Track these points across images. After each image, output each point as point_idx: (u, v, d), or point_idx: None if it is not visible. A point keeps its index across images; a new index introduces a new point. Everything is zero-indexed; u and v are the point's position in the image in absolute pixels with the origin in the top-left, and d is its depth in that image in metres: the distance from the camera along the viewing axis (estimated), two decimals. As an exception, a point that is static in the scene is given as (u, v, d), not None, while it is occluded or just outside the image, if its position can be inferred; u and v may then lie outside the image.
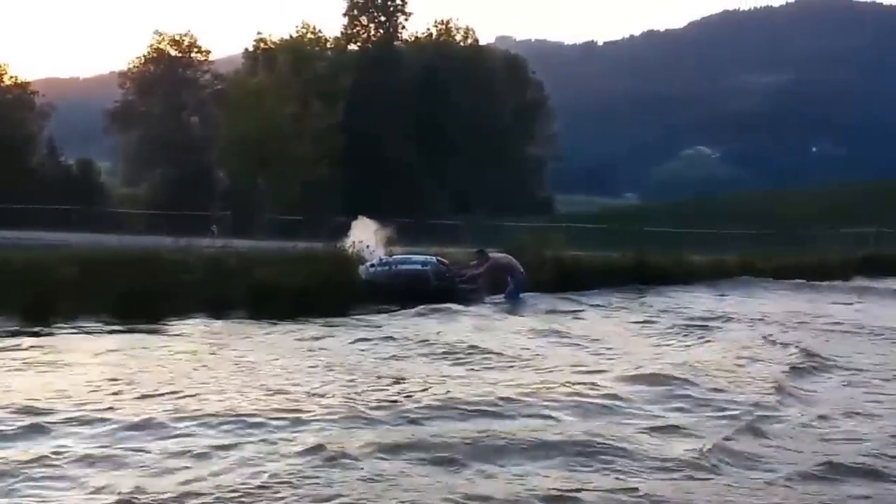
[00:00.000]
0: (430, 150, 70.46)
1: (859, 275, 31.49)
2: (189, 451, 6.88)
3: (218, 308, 15.87)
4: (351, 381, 9.87)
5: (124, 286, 15.42)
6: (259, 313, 15.68)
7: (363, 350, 12.35)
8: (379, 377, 10.10)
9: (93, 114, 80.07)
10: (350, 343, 12.96)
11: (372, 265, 19.70)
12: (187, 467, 6.53)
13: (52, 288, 14.95)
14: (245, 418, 7.87)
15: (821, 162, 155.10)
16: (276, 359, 11.25)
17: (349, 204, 63.31)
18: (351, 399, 8.82)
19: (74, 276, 15.68)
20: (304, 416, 8.03)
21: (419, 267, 19.74)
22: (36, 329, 13.30)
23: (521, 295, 20.07)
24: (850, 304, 23.38)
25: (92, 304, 14.91)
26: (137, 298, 15.13)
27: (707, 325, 16.21)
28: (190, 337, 13.39)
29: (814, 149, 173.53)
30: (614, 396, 9.09)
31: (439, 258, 20.46)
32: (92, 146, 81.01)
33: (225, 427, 7.61)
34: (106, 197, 68.45)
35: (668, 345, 13.60)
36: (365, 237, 21.63)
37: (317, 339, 13.47)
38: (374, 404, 8.52)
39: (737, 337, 14.66)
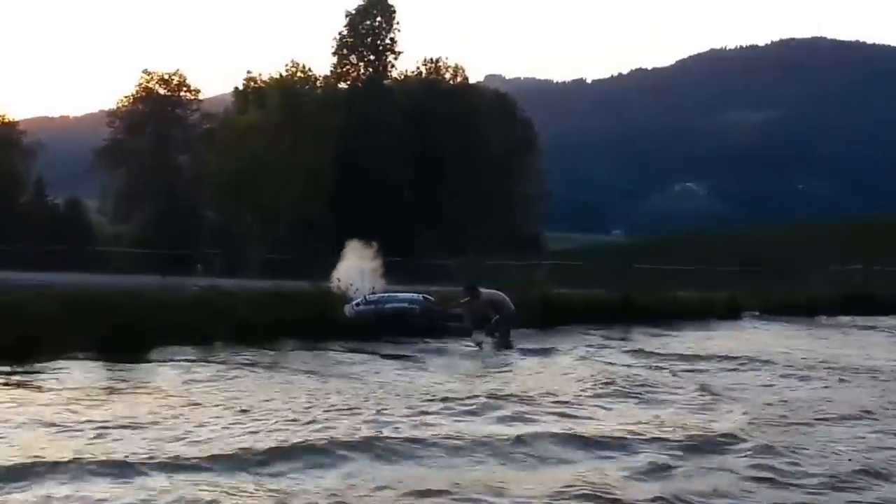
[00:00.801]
0: (419, 188, 70.58)
1: (847, 313, 31.47)
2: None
3: (202, 345, 15.82)
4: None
5: (107, 325, 15.26)
6: (243, 350, 15.67)
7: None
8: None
9: (82, 152, 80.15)
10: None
11: (357, 304, 19.49)
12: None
13: (34, 327, 14.69)
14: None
15: (806, 197, 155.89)
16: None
17: (339, 242, 63.30)
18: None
19: (56, 315, 15.49)
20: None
21: (406, 305, 19.57)
22: (15, 368, 13.11)
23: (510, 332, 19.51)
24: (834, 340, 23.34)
25: (74, 343, 14.70)
26: (121, 337, 14.95)
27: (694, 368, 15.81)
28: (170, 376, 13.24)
29: (800, 186, 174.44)
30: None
31: (426, 295, 20.30)
32: (81, 185, 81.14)
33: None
34: (94, 236, 68.28)
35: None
36: (353, 268, 21.53)
37: (301, 372, 13.61)
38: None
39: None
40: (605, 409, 11.16)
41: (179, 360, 14.72)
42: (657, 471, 7.99)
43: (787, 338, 23.15)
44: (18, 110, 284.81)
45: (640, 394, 12.42)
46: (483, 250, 58.84)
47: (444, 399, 11.35)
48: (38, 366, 13.51)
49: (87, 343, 14.78)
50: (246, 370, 13.97)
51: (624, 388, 12.82)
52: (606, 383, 13.20)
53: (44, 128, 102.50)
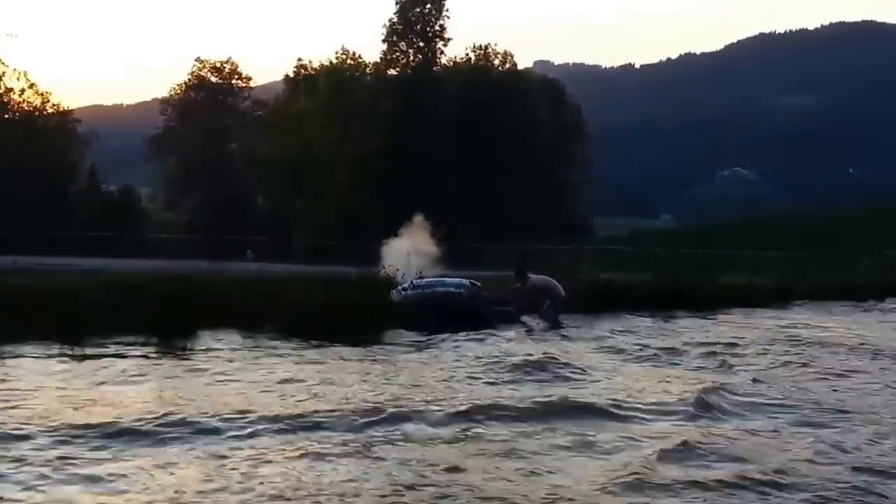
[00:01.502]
0: (468, 174, 70.59)
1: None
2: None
3: (251, 330, 15.92)
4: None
5: (158, 310, 15.48)
6: (292, 336, 15.73)
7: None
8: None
9: (135, 140, 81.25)
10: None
11: (403, 289, 19.44)
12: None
13: (86, 312, 15.07)
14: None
15: (858, 184, 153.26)
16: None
17: (387, 229, 63.50)
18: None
19: (109, 300, 15.90)
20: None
21: (452, 290, 19.37)
22: (71, 351, 13.40)
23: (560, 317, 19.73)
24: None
25: (126, 328, 14.96)
26: (171, 322, 15.13)
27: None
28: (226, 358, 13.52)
29: (851, 170, 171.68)
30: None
31: (473, 281, 20.15)
32: (134, 172, 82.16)
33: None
34: (146, 222, 69.30)
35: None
36: (403, 251, 21.65)
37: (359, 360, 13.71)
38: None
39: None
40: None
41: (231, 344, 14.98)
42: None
43: (836, 323, 22.92)
44: (73, 99, 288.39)
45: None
46: (530, 236, 58.83)
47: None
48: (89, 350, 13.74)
49: (139, 327, 14.92)
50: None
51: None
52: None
53: (97, 116, 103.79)
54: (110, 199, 68.93)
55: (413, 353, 14.82)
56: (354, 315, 17.02)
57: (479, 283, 20.04)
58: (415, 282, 19.77)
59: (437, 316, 18.02)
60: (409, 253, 22.20)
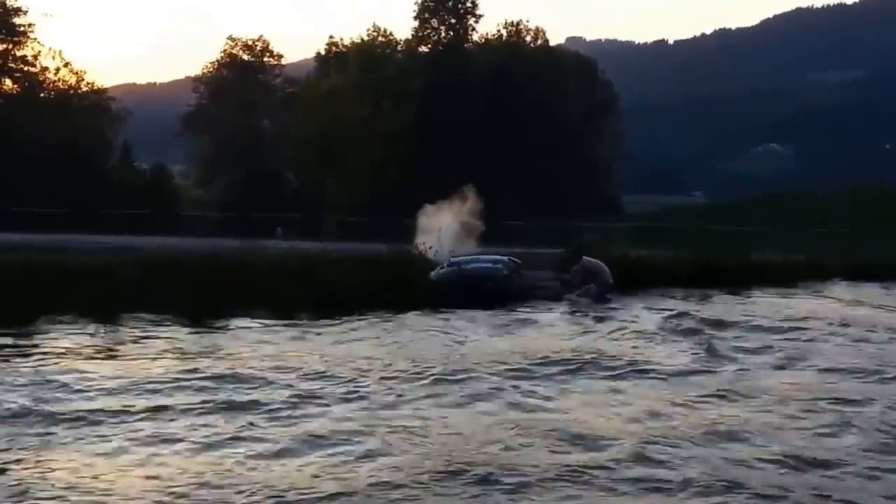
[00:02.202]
0: (499, 151, 70.28)
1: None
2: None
3: (283, 309, 15.92)
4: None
5: (190, 288, 15.75)
6: (324, 314, 15.81)
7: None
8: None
9: (169, 118, 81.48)
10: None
11: (441, 267, 19.29)
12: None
13: (118, 289, 15.38)
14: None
15: (893, 158, 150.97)
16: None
17: (418, 206, 63.45)
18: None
19: (140, 277, 16.21)
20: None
21: (489, 265, 19.30)
22: (108, 328, 13.63)
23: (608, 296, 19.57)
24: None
25: (159, 305, 15.17)
26: (203, 300, 15.37)
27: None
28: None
29: (887, 146, 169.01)
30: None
31: (512, 258, 19.99)
32: (168, 150, 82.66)
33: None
34: (179, 200, 69.57)
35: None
36: (437, 227, 21.41)
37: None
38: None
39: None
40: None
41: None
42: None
43: (869, 301, 22.63)
44: (106, 77, 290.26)
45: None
46: (562, 213, 58.58)
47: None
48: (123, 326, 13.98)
49: (171, 305, 15.18)
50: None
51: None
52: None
53: (130, 94, 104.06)
54: (143, 177, 69.37)
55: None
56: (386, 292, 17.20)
57: (518, 261, 19.87)
58: (451, 259, 19.63)
59: (472, 292, 17.94)
60: (440, 228, 21.98)
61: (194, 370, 10.57)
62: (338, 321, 15.42)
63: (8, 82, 66.60)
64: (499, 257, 19.92)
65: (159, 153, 79.11)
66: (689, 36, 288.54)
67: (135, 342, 12.71)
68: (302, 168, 72.44)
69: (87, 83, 68.62)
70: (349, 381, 10.28)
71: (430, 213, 23.21)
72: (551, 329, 15.63)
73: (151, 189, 65.50)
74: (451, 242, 21.51)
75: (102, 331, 13.50)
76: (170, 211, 61.00)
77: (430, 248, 21.19)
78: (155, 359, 11.47)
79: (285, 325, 14.92)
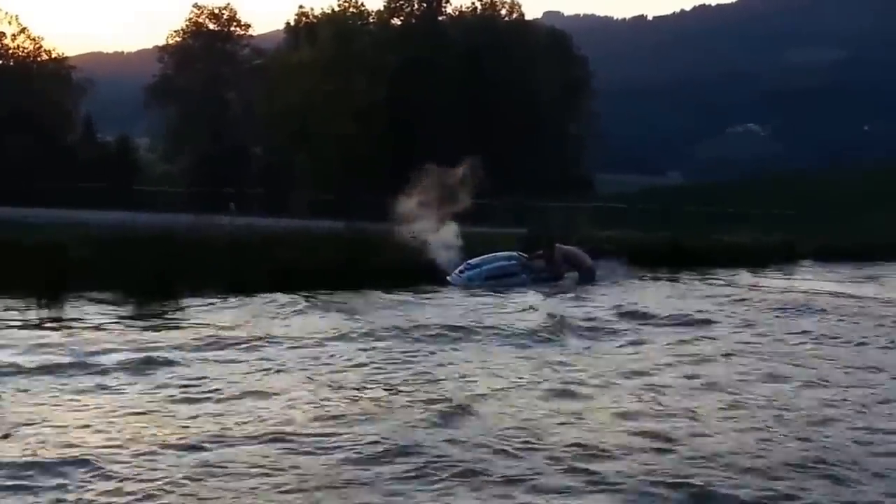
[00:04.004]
0: (471, 128, 69.26)
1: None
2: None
3: (235, 288, 15.54)
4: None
5: (140, 265, 15.26)
6: (278, 293, 15.28)
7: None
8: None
9: (137, 89, 79.61)
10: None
11: (461, 271, 18.53)
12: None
13: (68, 267, 14.95)
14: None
15: (874, 141, 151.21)
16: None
17: (389, 183, 62.66)
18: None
19: (90, 255, 15.81)
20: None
21: (506, 263, 18.83)
22: (52, 308, 13.17)
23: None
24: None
25: (107, 283, 14.75)
26: (154, 278, 14.93)
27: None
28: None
29: (865, 127, 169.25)
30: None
31: (519, 252, 19.46)
32: (136, 122, 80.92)
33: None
34: (142, 174, 68.02)
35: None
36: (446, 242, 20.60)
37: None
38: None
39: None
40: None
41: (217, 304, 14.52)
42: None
43: (837, 283, 22.21)
44: (72, 46, 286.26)
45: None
46: (534, 191, 57.97)
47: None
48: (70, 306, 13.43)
49: (121, 283, 14.68)
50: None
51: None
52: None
53: (97, 63, 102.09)
54: (107, 150, 67.77)
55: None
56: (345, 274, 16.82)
57: (525, 254, 19.34)
58: (470, 262, 18.86)
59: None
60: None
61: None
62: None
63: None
64: (509, 253, 19.38)
65: (128, 126, 77.23)
66: (669, 12, 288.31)
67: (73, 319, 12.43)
68: (270, 143, 71.31)
69: (46, 51, 66.82)
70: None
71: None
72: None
73: (115, 162, 63.90)
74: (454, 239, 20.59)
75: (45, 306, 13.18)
76: (131, 186, 59.43)
77: (420, 236, 20.12)
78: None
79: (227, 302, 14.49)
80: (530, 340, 11.37)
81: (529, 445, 6.58)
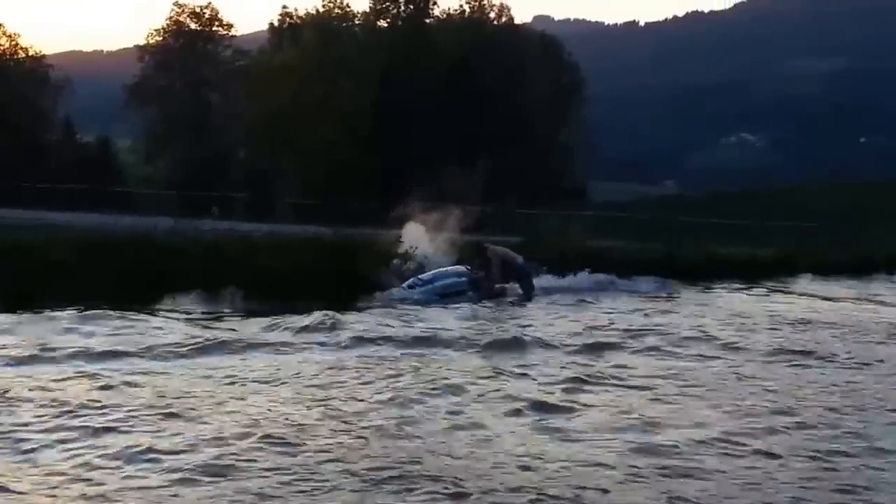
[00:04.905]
0: (459, 133, 68.32)
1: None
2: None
3: (213, 295, 15.49)
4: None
5: (116, 270, 15.17)
6: (257, 301, 15.36)
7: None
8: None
9: (118, 89, 78.23)
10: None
11: (411, 285, 17.49)
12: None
13: (40, 270, 14.84)
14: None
15: (870, 153, 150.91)
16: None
17: (375, 188, 62.05)
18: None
19: (64, 258, 15.50)
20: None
21: (457, 279, 17.90)
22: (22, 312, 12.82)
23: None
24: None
25: (82, 288, 14.41)
26: (130, 283, 14.92)
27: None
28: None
29: (862, 139, 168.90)
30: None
31: (467, 266, 18.51)
32: (116, 123, 79.47)
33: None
34: (124, 176, 66.74)
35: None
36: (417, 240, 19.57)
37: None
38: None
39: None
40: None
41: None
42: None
43: (835, 298, 21.72)
44: (50, 43, 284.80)
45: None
46: (526, 199, 57.24)
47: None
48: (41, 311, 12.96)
49: (96, 288, 14.51)
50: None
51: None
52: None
53: (75, 62, 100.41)
54: (86, 151, 66.43)
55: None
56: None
57: (470, 268, 18.35)
58: (420, 277, 17.90)
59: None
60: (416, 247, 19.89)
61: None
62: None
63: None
64: (459, 268, 18.42)
65: (110, 127, 75.80)
66: (661, 18, 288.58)
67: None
68: (254, 146, 70.23)
69: (23, 48, 65.43)
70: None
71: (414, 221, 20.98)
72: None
73: (94, 164, 62.55)
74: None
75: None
76: (111, 188, 58.08)
77: (413, 249, 19.13)
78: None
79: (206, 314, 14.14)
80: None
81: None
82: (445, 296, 17.18)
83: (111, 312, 12.95)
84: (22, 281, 14.48)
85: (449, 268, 18.48)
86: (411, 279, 17.71)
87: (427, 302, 16.73)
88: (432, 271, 18.18)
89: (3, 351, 9.97)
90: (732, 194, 72.69)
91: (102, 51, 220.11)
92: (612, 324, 14.41)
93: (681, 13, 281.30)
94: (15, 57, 65.09)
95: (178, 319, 13.26)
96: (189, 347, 10.57)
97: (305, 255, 17.96)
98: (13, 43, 64.98)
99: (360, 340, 11.56)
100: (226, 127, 71.13)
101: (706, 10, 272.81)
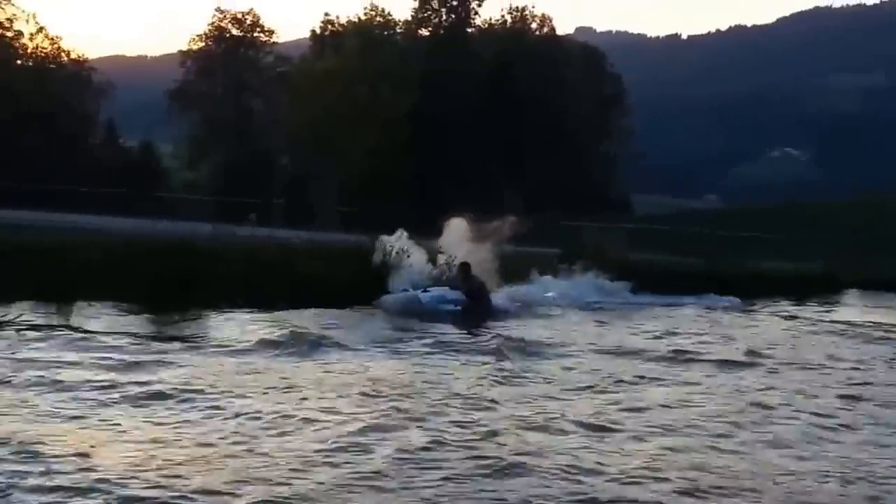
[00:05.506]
0: (500, 144, 68.05)
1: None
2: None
3: (250, 301, 15.73)
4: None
5: (152, 274, 15.42)
6: (294, 307, 15.56)
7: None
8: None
9: (159, 94, 78.71)
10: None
11: (425, 290, 17.60)
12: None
13: (76, 273, 15.05)
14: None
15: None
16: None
17: (414, 196, 62.00)
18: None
19: (100, 261, 15.86)
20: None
21: (452, 307, 17.69)
22: (61, 315, 13.19)
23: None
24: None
25: (118, 292, 14.88)
26: (165, 287, 15.14)
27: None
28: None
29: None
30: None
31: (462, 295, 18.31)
32: (160, 128, 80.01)
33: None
34: (164, 181, 66.85)
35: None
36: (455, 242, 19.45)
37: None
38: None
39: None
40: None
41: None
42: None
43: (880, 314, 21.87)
44: (94, 48, 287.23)
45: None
46: (567, 210, 56.87)
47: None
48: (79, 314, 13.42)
49: (132, 291, 14.92)
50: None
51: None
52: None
53: (120, 66, 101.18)
54: (129, 156, 66.73)
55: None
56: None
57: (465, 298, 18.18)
58: (429, 289, 18.01)
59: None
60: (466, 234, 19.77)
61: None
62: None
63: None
64: (459, 295, 18.12)
65: (151, 131, 76.24)
66: (704, 31, 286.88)
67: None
68: (294, 152, 70.34)
69: (65, 51, 65.61)
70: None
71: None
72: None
73: (137, 168, 62.81)
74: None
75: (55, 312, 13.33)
76: (153, 192, 58.24)
77: (452, 258, 19.02)
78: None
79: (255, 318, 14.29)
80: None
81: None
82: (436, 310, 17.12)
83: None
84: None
85: (451, 293, 18.18)
86: (424, 289, 17.72)
87: (420, 309, 16.82)
88: (438, 290, 18.09)
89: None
90: (775, 208, 71.78)
91: (146, 56, 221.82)
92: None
93: (724, 27, 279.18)
94: (57, 60, 65.23)
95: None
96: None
97: (346, 263, 18.09)
98: (55, 46, 65.19)
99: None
100: (267, 133, 71.24)
101: (749, 25, 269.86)
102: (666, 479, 6.45)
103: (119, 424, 7.31)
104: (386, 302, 17.18)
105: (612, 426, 7.98)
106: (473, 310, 17.45)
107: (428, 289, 17.80)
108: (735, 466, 6.92)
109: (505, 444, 7.14)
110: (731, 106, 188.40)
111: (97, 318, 13.22)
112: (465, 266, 18.35)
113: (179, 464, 6.29)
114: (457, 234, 19.89)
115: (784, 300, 24.01)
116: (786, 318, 19.66)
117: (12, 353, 9.94)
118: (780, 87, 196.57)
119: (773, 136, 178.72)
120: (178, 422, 7.52)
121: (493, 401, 8.83)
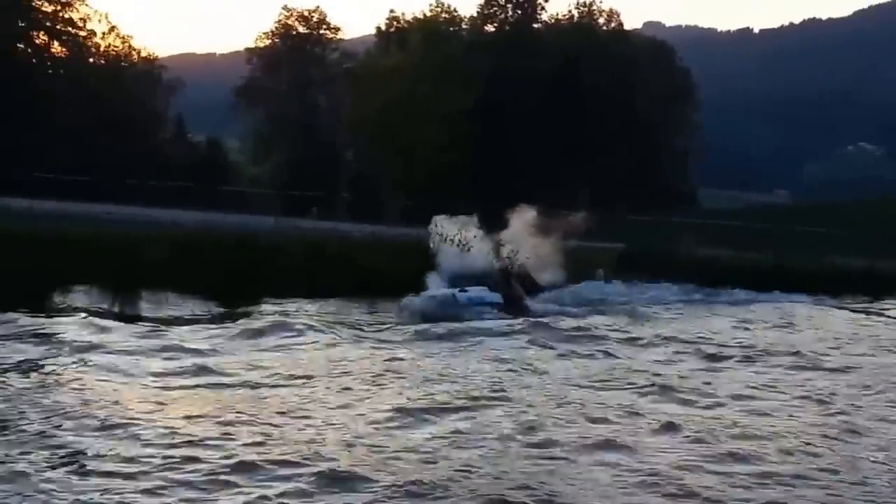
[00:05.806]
0: (566, 139, 67.47)
1: None
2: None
3: (314, 293, 16.56)
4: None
5: (219, 268, 16.30)
6: (357, 300, 16.45)
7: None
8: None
9: (227, 90, 79.80)
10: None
11: (462, 289, 17.43)
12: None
13: (145, 266, 15.89)
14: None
15: None
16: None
17: (478, 192, 61.81)
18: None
19: (169, 255, 16.78)
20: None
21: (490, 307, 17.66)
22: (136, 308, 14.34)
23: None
24: None
25: (186, 285, 15.81)
26: (232, 281, 15.92)
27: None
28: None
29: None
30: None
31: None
32: (227, 124, 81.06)
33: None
34: (231, 176, 67.70)
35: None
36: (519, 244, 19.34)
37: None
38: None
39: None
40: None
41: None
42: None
43: None
44: (164, 46, 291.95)
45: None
46: (634, 205, 56.31)
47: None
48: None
49: (200, 285, 15.83)
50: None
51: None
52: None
53: (189, 63, 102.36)
54: (197, 151, 67.70)
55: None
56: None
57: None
58: (466, 289, 17.87)
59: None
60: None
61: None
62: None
63: (56, 45, 63.78)
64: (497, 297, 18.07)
65: (219, 127, 77.31)
66: (776, 25, 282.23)
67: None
68: (359, 147, 70.70)
69: (136, 49, 66.73)
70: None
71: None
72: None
73: (205, 163, 63.71)
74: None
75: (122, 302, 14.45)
76: (219, 186, 58.98)
77: (514, 252, 18.90)
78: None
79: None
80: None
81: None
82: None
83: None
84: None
85: (490, 294, 18.07)
86: (461, 288, 17.49)
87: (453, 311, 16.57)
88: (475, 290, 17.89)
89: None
90: (846, 204, 70.27)
91: (215, 53, 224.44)
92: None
93: (797, 20, 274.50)
94: (129, 58, 66.34)
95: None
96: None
97: (409, 257, 18.09)
98: (126, 45, 66.29)
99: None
100: (332, 128, 71.68)
101: (824, 17, 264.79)
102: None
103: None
104: (412, 304, 16.52)
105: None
106: (509, 314, 17.12)
107: (466, 288, 17.49)
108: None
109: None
110: (803, 100, 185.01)
111: (176, 307, 14.20)
112: (504, 272, 18.24)
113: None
114: (522, 227, 19.72)
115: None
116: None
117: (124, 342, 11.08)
118: (854, 80, 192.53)
119: (846, 131, 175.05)
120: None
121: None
